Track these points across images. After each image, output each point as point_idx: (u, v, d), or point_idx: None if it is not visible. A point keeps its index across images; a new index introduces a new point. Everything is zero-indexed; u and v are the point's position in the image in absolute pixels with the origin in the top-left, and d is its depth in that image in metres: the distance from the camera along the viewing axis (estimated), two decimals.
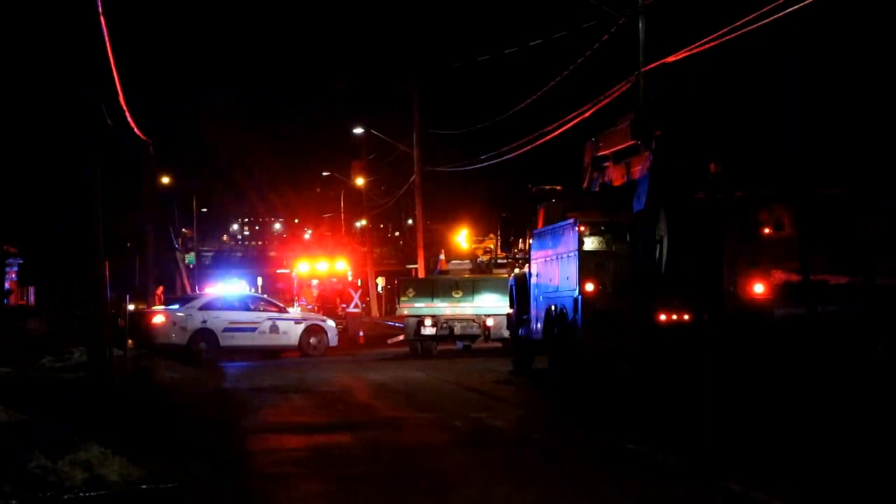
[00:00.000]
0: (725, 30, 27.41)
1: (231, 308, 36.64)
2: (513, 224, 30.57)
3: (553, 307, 24.81)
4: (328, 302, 50.04)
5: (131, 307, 31.38)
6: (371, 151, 75.73)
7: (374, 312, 72.34)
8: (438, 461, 14.69)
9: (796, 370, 22.70)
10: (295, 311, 40.35)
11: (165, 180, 67.03)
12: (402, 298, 36.53)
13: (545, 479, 13.21)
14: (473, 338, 36.82)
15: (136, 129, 37.93)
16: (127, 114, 33.54)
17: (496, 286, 35.19)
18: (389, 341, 44.11)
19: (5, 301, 46.78)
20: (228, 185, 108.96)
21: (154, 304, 42.92)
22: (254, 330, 36.32)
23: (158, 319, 35.75)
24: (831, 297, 28.06)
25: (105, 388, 21.82)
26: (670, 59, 30.87)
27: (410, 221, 78.92)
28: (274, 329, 36.63)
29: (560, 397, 23.03)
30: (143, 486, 12.57)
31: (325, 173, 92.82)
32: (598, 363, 22.90)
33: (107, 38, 23.73)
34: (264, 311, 37.17)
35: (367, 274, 78.53)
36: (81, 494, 12.14)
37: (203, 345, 35.38)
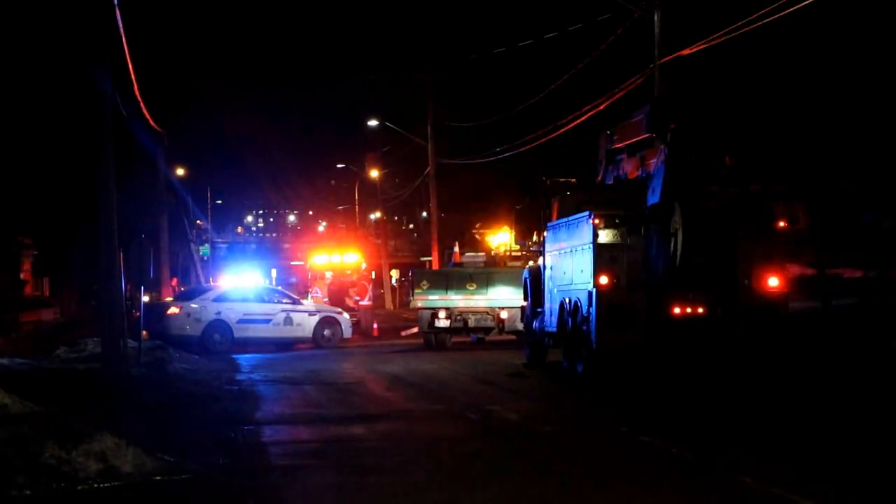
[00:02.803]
0: (741, 23, 27.35)
1: (245, 300, 36.62)
2: (527, 216, 30.53)
3: (567, 300, 24.79)
4: (342, 294, 50.02)
5: (146, 298, 31.42)
6: (386, 143, 75.68)
7: (389, 305, 72.33)
8: (453, 453, 14.69)
9: (810, 363, 22.69)
10: (309, 302, 40.34)
11: (180, 172, 66.96)
12: (416, 291, 36.50)
13: (559, 472, 13.20)
14: (487, 330, 36.75)
15: (150, 121, 37.99)
16: (142, 105, 33.60)
17: (510, 279, 35.09)
18: (403, 333, 44.16)
19: (20, 292, 46.88)
20: (243, 176, 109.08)
21: (168, 296, 43.03)
22: (268, 322, 36.32)
23: (173, 311, 35.77)
24: (845, 291, 28.05)
25: (119, 379, 21.88)
26: (686, 51, 30.82)
27: (425, 214, 78.89)
28: (288, 321, 36.62)
29: (573, 390, 23.01)
30: (157, 478, 12.58)
31: (339, 165, 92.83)
32: (612, 356, 22.87)
33: (121, 29, 23.75)
34: (278, 302, 37.17)
35: (381, 266, 78.51)
36: (95, 485, 12.15)
37: (217, 336, 35.37)
